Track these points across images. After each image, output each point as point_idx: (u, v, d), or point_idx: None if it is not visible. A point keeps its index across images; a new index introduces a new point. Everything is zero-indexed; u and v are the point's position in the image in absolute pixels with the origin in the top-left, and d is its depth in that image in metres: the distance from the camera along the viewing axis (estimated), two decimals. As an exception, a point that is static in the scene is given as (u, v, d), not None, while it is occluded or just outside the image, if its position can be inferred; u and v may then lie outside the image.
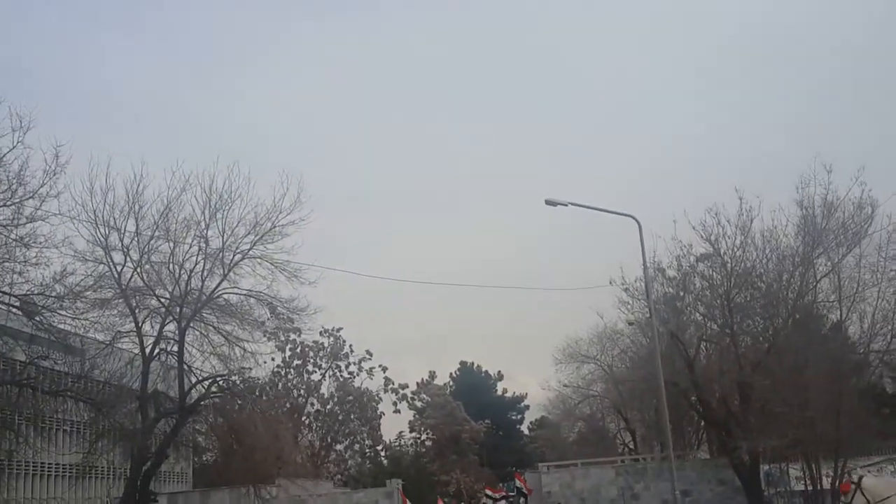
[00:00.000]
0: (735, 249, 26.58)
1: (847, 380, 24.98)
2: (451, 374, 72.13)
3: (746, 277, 26.90)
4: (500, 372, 75.52)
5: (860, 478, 14.13)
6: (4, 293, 17.38)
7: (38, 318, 18.67)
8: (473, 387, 70.85)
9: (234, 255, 24.47)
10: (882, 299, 25.56)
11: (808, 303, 26.58)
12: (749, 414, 25.56)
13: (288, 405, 45.51)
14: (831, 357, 24.83)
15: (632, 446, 44.65)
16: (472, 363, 74.52)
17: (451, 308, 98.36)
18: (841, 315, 26.34)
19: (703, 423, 34.36)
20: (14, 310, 18.32)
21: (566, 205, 23.90)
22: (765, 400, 25.32)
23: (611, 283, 30.29)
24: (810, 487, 25.09)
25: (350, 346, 50.35)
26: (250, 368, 26.54)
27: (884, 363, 28.14)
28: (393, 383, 54.68)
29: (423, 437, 57.59)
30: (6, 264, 17.02)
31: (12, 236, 17.29)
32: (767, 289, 26.84)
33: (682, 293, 29.63)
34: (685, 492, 26.90)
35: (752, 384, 25.43)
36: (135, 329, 23.78)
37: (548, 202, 23.93)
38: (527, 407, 73.99)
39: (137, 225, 23.53)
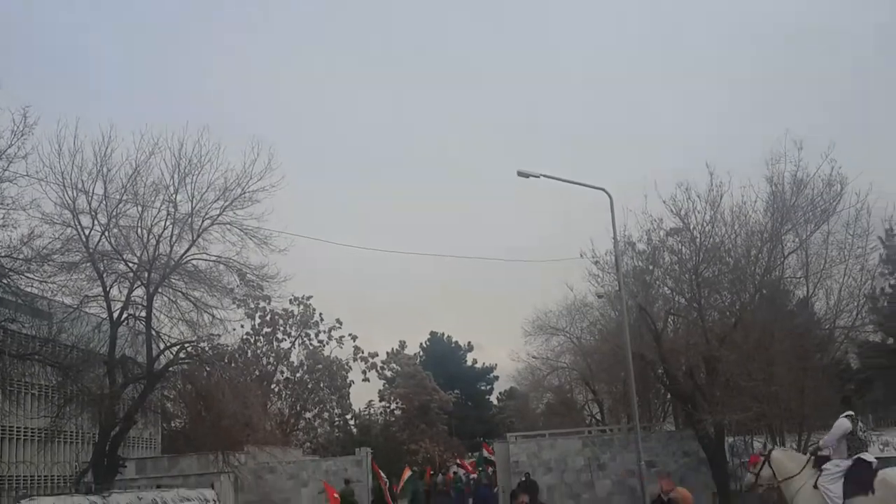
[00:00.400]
0: (704, 224, 26.80)
1: (812, 355, 25.39)
2: (421, 344, 72.54)
3: (715, 252, 27.15)
4: (470, 343, 76.04)
5: (770, 451, 14.45)
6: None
7: (4, 281, 18.39)
8: (443, 357, 71.31)
9: (203, 221, 24.19)
10: (848, 276, 25.99)
11: (776, 278, 26.91)
12: (715, 387, 25.89)
13: (257, 373, 45.41)
14: (797, 332, 25.22)
15: (599, 418, 45.14)
16: (443, 334, 74.97)
17: (421, 278, 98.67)
18: (808, 291, 26.75)
19: (669, 396, 34.77)
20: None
21: (538, 176, 23.92)
22: (730, 374, 25.64)
23: (581, 256, 30.54)
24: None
25: (320, 314, 50.31)
26: (219, 335, 26.40)
27: (849, 339, 28.65)
28: (363, 352, 54.75)
29: (393, 406, 57.88)
30: (-29, 227, 16.68)
31: (-24, 199, 16.96)
32: (735, 264, 27.12)
33: (651, 267, 29.91)
34: (650, 462, 27.23)
35: (718, 358, 25.74)
36: (102, 294, 23.48)
37: (520, 173, 23.94)
38: (496, 378, 74.67)
39: (106, 188, 23.17)
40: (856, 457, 12.74)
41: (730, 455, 27.55)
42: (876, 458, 12.10)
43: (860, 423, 13.10)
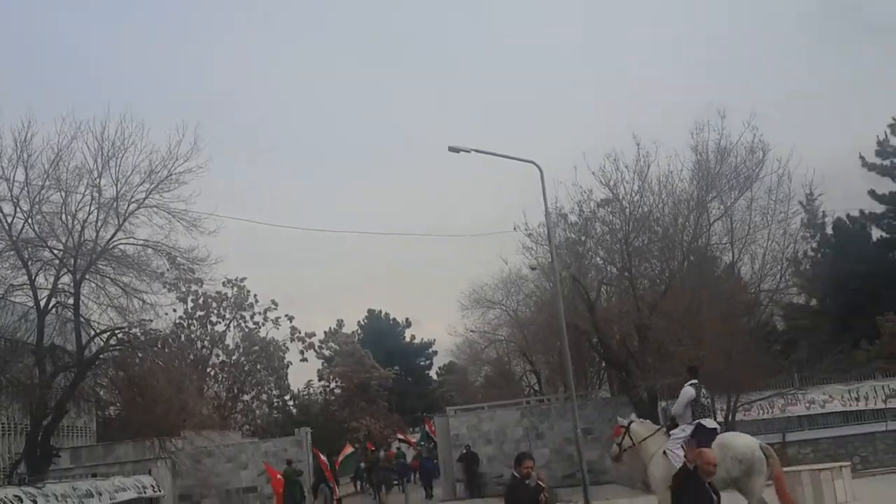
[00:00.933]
0: (633, 195, 27.32)
1: (739, 319, 26.09)
2: (358, 322, 72.41)
3: (644, 222, 27.67)
4: (407, 319, 76.24)
5: (630, 422, 15.09)
6: None
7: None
8: (381, 334, 71.38)
9: (129, 205, 23.70)
10: (772, 240, 26.73)
11: (702, 245, 27.55)
12: (647, 354, 26.46)
13: (192, 357, 44.63)
14: (724, 297, 25.86)
15: (537, 388, 45.77)
16: (380, 311, 74.97)
17: (357, 257, 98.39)
18: (733, 257, 27.44)
19: (603, 364, 35.43)
20: None
21: (469, 151, 23.92)
22: (661, 340, 26.23)
23: (514, 228, 30.86)
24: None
25: (255, 296, 49.69)
26: (151, 320, 25.98)
27: (774, 302, 29.51)
28: (300, 332, 54.32)
29: (332, 385, 57.63)
30: None
31: None
32: (664, 232, 27.68)
33: (583, 238, 30.35)
34: (587, 430, 27.75)
35: (649, 325, 26.30)
36: (28, 282, 22.89)
37: (451, 149, 23.93)
38: (435, 353, 75.09)
39: (27, 174, 22.54)
40: (696, 422, 13.30)
41: (663, 419, 28.19)
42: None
43: (703, 391, 13.75)
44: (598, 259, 30.27)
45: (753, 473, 12.63)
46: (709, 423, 13.17)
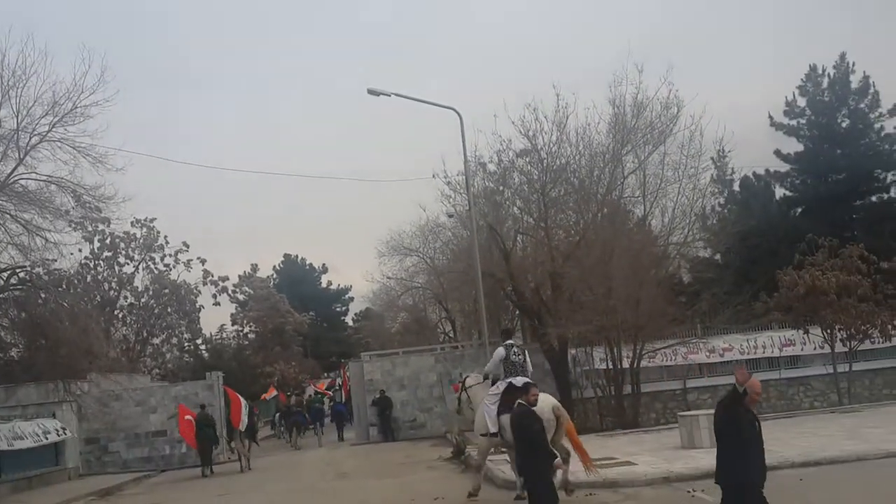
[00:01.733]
0: (551, 145, 27.47)
1: (648, 271, 26.67)
2: (274, 267, 71.66)
3: (561, 173, 27.93)
4: (324, 265, 75.79)
5: (465, 378, 16.19)
6: None
7: None
8: (297, 279, 70.85)
9: (30, 138, 22.63)
10: (682, 195, 27.31)
11: (616, 198, 27.97)
12: (559, 303, 26.90)
13: (98, 299, 43.58)
14: (635, 249, 26.39)
15: (452, 335, 46.21)
16: (296, 256, 74.32)
17: (274, 199, 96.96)
18: (645, 210, 27.97)
19: (517, 312, 35.91)
20: None
21: (389, 95, 23.68)
22: (574, 289, 26.70)
23: (434, 176, 30.81)
24: (611, 367, 26.99)
25: (165, 237, 48.59)
26: (54, 260, 25.08)
27: (681, 255, 30.30)
28: (212, 276, 53.48)
29: (246, 329, 57.23)
30: None
31: None
32: (580, 184, 28.00)
33: (501, 188, 30.48)
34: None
35: (562, 275, 26.71)
36: (-79, 216, 21.80)
37: (370, 91, 23.63)
38: (351, 299, 74.96)
39: (-82, 100, 21.30)
40: (508, 380, 14.20)
41: (572, 366, 28.90)
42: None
43: (514, 350, 14.62)
44: (515, 209, 30.50)
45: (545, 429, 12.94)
46: (518, 380, 13.88)
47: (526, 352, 15.17)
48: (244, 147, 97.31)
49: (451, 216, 33.97)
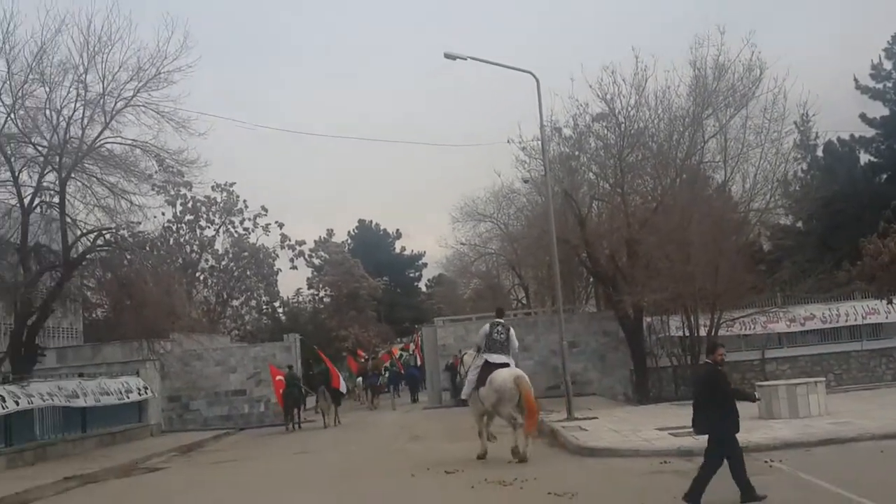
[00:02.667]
0: (629, 109, 26.93)
1: (727, 238, 26.07)
2: (349, 232, 72.27)
3: (639, 137, 27.40)
4: (398, 230, 76.09)
5: (463, 354, 17.61)
6: None
7: None
8: (372, 245, 71.29)
9: (116, 102, 23.16)
10: (764, 160, 26.60)
11: (696, 163, 27.36)
12: (635, 270, 26.53)
13: (180, 261, 44.77)
14: (714, 216, 25.80)
15: (525, 302, 46.12)
16: (371, 221, 74.73)
17: (350, 165, 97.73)
18: (725, 175, 27.31)
19: (591, 279, 35.60)
20: None
21: (465, 59, 23.39)
22: (650, 256, 26.28)
23: (508, 141, 30.61)
24: (688, 335, 26.57)
25: (244, 201, 49.54)
26: (139, 222, 25.70)
27: (762, 222, 29.54)
28: (289, 240, 54.43)
29: (321, 294, 57.98)
30: None
31: None
32: (658, 149, 27.44)
33: (577, 153, 30.06)
34: (572, 342, 27.98)
35: (639, 241, 26.31)
36: (11, 179, 22.56)
37: (447, 56, 23.39)
38: (424, 265, 75.23)
39: (9, 67, 21.95)
40: (484, 356, 15.51)
41: (647, 334, 28.54)
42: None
43: (499, 328, 15.76)
44: (591, 174, 30.06)
45: (504, 401, 14.81)
46: (495, 358, 15.35)
47: (510, 329, 16.13)
48: (321, 113, 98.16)
49: (525, 182, 33.71)
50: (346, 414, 32.22)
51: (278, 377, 27.80)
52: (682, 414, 19.79)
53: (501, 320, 16.40)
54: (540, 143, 26.68)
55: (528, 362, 30.84)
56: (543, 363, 30.73)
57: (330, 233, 61.35)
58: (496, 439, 15.84)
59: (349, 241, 69.65)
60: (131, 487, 16.54)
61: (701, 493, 9.66)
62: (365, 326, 54.40)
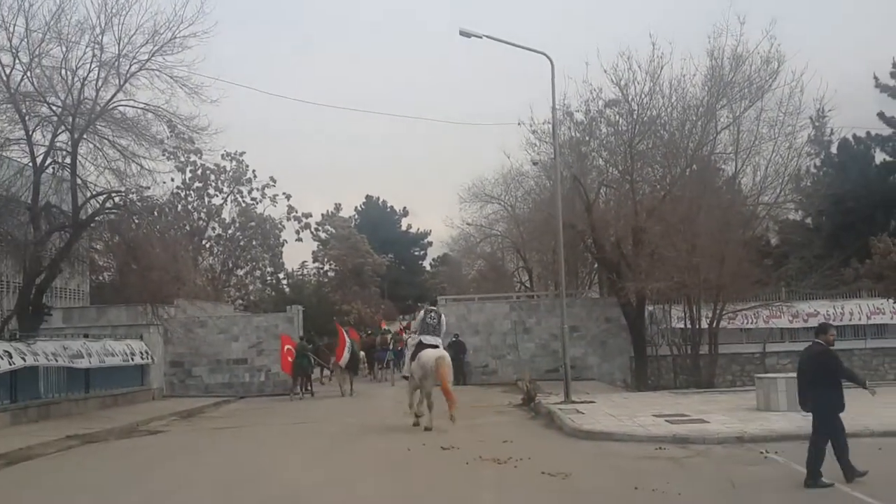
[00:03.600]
0: (643, 96, 26.91)
1: (735, 230, 26.14)
2: (356, 207, 72.44)
3: (651, 125, 27.38)
4: (405, 208, 76.27)
5: (408, 338, 20.05)
6: None
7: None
8: (378, 221, 71.50)
9: (130, 65, 23.14)
10: (776, 154, 26.56)
11: (707, 153, 27.35)
12: (640, 257, 26.61)
13: (188, 227, 44.91)
14: (722, 207, 25.84)
15: (528, 285, 46.23)
16: (378, 198, 74.90)
17: (358, 139, 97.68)
18: (736, 167, 27.31)
19: (595, 265, 35.69)
20: None
21: (480, 37, 23.30)
22: (656, 245, 26.35)
23: (519, 123, 30.64)
24: (689, 326, 26.66)
25: (253, 171, 49.63)
26: (148, 187, 25.73)
27: (770, 216, 29.55)
28: (296, 212, 54.56)
29: (326, 267, 58.19)
30: None
31: None
32: (670, 137, 27.43)
33: (587, 138, 30.06)
34: (574, 327, 28.13)
35: (645, 229, 26.37)
36: (25, 137, 22.63)
37: (462, 33, 23.31)
38: (430, 244, 75.49)
39: (27, 24, 21.95)
40: (419, 337, 17.73)
41: (649, 322, 28.65)
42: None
43: (432, 314, 17.83)
44: (601, 160, 30.07)
45: (428, 376, 16.78)
46: (428, 339, 17.44)
47: (441, 315, 18.18)
48: (333, 88, 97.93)
49: (535, 164, 33.74)
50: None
51: (287, 346, 28.32)
52: (680, 402, 19.99)
53: (434, 307, 18.65)
54: (551, 126, 26.67)
55: (529, 345, 31.09)
56: (544, 346, 30.92)
57: (337, 207, 61.57)
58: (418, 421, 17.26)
59: (356, 216, 69.83)
60: (131, 448, 16.71)
61: (819, 474, 9.96)
62: (368, 302, 54.60)
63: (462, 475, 11.46)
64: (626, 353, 29.44)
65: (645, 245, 26.74)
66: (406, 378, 18.67)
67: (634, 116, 27.20)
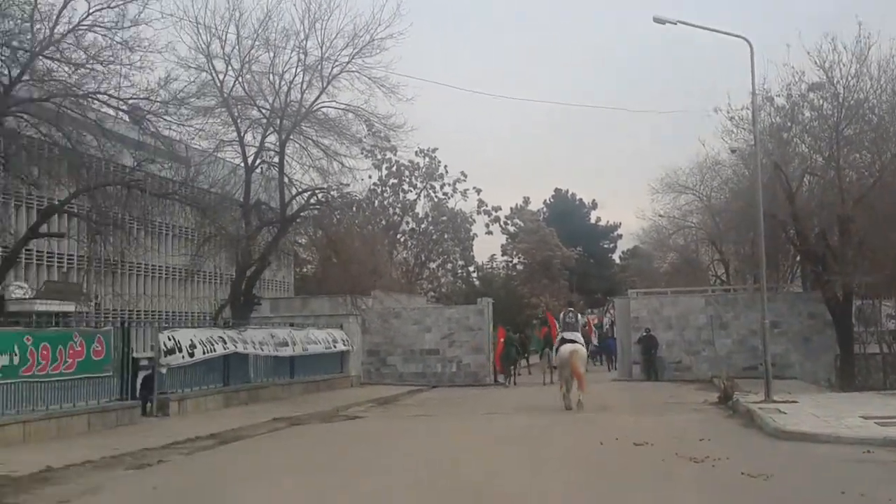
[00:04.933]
0: (849, 79, 25.22)
1: (952, 218, 24.03)
2: (544, 200, 72.19)
3: (858, 109, 25.62)
4: (594, 201, 75.17)
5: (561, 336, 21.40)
6: (112, 96, 17.82)
7: (144, 124, 19.19)
8: (567, 214, 70.88)
9: (332, 68, 24.48)
10: None
11: (920, 137, 25.30)
12: (847, 248, 25.07)
13: (383, 222, 46.82)
14: (939, 193, 23.82)
15: (724, 278, 44.51)
16: (567, 190, 74.22)
17: (547, 133, 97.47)
18: (956, 151, 25.04)
19: (798, 258, 33.88)
20: (121, 114, 18.88)
21: (675, 23, 22.61)
22: (864, 235, 24.70)
23: (715, 111, 29.43)
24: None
25: (445, 166, 50.87)
26: (348, 184, 27.16)
27: None
28: (486, 206, 55.35)
29: (515, 260, 58.57)
30: (112, 66, 17.32)
31: (117, 39, 17.47)
32: (878, 122, 25.57)
33: (789, 124, 28.49)
34: (774, 323, 26.83)
35: (852, 219, 24.77)
36: (237, 139, 24.39)
37: (656, 20, 22.71)
38: (619, 236, 73.99)
39: (238, 32, 23.68)
40: (561, 334, 20.90)
41: (856, 318, 26.87)
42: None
43: (570, 314, 21.25)
44: (804, 147, 28.42)
45: (565, 366, 19.99)
46: (567, 335, 20.48)
47: (578, 315, 21.75)
48: (520, 80, 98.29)
49: (733, 152, 32.29)
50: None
51: (501, 339, 30.40)
52: (891, 403, 18.63)
53: (572, 308, 22.43)
54: (749, 112, 25.52)
55: (726, 341, 30.01)
56: (741, 342, 29.77)
57: (526, 200, 61.73)
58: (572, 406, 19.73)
59: (544, 209, 69.65)
60: (333, 432, 17.64)
61: None
62: (556, 295, 54.47)
63: (658, 472, 11.25)
64: (832, 351, 27.76)
65: (852, 235, 25.12)
66: (555, 368, 22.92)
67: (840, 100, 25.55)
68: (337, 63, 24.45)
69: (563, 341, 20.44)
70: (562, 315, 21.52)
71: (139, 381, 18.37)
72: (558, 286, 56.63)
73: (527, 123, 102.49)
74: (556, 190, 73.93)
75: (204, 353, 20.41)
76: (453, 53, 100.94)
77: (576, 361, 19.62)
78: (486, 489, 10.28)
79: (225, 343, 21.49)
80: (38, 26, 16.74)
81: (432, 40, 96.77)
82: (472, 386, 29.82)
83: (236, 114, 24.02)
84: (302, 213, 25.66)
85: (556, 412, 19.69)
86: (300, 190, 25.61)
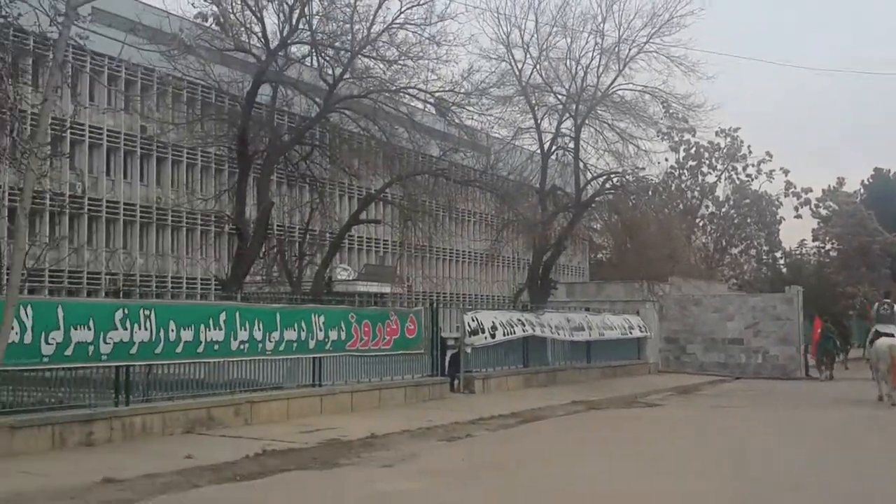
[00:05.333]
0: None
1: None
2: (862, 181, 66.20)
3: None
4: (923, 181, 67.77)
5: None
6: (421, 90, 18.94)
7: (448, 115, 20.19)
8: (888, 196, 64.43)
9: (629, 49, 24.27)
10: None
11: None
12: None
13: (681, 206, 45.47)
14: None
15: None
16: (889, 170, 67.52)
17: (867, 108, 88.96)
18: None
19: None
20: (429, 106, 20.01)
21: None
22: None
23: None
24: None
25: (748, 147, 48.37)
26: (643, 167, 26.71)
27: None
28: (795, 188, 51.90)
29: (828, 246, 54.43)
30: (421, 61, 18.41)
31: (425, 35, 18.51)
32: None
33: None
34: None
35: None
36: (534, 126, 24.86)
37: None
38: (957, 220, 66.04)
39: (537, 20, 24.16)
40: (875, 327, 20.30)
41: None
42: None
43: (885, 306, 20.59)
44: None
45: (880, 360, 18.60)
46: (882, 327, 19.88)
47: (894, 306, 20.47)
48: (835, 51, 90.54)
49: None
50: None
51: (818, 330, 28.52)
52: None
53: (888, 300, 21.31)
54: None
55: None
56: None
57: (840, 181, 57.13)
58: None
59: (861, 190, 63.90)
60: (631, 418, 17.38)
61: None
62: (876, 286, 49.74)
63: None
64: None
65: None
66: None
67: None
68: (634, 44, 24.22)
69: (878, 334, 19.70)
70: (876, 306, 20.91)
71: (447, 358, 19.36)
72: (879, 275, 51.71)
73: (841, 99, 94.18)
74: (876, 169, 67.45)
75: (504, 334, 20.98)
76: (759, 24, 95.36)
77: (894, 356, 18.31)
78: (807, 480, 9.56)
79: (524, 325, 21.95)
80: (356, 27, 18.10)
81: (735, 11, 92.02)
82: (780, 379, 28.02)
83: (533, 101, 24.52)
84: (597, 198, 25.62)
85: (873, 412, 18.00)
86: (595, 175, 25.62)
